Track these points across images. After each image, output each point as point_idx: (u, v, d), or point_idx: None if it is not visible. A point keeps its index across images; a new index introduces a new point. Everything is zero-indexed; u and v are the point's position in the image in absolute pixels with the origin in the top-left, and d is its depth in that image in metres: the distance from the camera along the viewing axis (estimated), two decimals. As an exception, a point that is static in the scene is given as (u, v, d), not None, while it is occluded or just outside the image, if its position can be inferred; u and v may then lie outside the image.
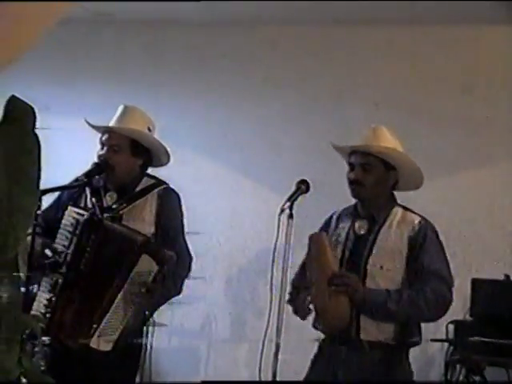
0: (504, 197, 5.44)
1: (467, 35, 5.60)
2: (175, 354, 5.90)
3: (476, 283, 4.97)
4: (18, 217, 1.81)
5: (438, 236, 3.43)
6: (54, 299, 3.34)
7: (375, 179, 3.41)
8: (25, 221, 1.85)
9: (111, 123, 3.69)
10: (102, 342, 3.33)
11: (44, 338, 3.19)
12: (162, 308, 3.62)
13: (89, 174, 3.52)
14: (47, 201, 3.60)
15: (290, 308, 3.46)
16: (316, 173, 4.69)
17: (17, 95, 1.87)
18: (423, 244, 3.35)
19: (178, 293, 3.62)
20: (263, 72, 5.99)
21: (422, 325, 3.46)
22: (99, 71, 6.25)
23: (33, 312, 3.27)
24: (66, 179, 3.64)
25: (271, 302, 3.24)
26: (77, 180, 3.56)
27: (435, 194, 5.15)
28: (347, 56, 5.83)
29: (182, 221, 3.68)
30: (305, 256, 3.51)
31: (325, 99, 5.82)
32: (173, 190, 3.71)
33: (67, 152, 5.72)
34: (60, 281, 3.35)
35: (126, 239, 3.40)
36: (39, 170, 1.85)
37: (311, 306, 3.40)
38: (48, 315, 3.32)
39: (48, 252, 3.36)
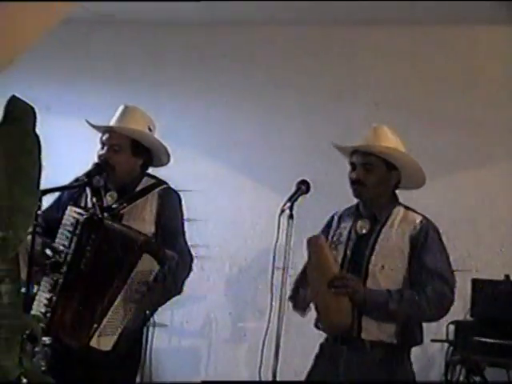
0: (504, 197, 5.44)
1: (467, 35, 5.60)
2: (175, 354, 5.90)
3: (476, 283, 4.97)
4: (18, 217, 1.81)
5: (439, 235, 3.42)
6: (54, 299, 3.34)
7: (377, 179, 3.41)
8: (25, 221, 1.85)
9: (111, 123, 3.69)
10: (102, 341, 3.33)
11: (44, 339, 3.19)
12: (162, 308, 3.62)
13: (89, 174, 3.51)
14: (48, 201, 3.60)
15: (290, 308, 3.46)
16: (316, 173, 4.71)
17: (17, 95, 1.88)
18: (425, 243, 3.34)
19: (179, 292, 3.62)
20: (263, 72, 5.99)
21: (423, 325, 3.46)
22: (99, 71, 6.25)
23: (33, 312, 3.27)
24: (66, 179, 3.64)
25: (271, 303, 3.24)
26: (77, 180, 3.56)
27: (435, 194, 5.15)
28: (347, 56, 5.83)
29: (182, 221, 3.68)
30: (307, 258, 3.50)
31: (325, 99, 5.82)
32: (173, 189, 3.70)
33: (67, 152, 5.72)
34: (60, 280, 3.35)
35: (126, 239, 3.40)
36: (40, 170, 1.85)
37: (311, 305, 3.41)
38: (48, 315, 3.32)
39: (48, 251, 3.36)
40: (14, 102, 1.85)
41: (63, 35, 5.37)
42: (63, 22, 4.06)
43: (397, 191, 3.53)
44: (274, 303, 3.24)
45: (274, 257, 3.25)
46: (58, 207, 3.61)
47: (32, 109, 1.87)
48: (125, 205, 3.59)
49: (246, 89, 6.00)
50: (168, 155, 3.71)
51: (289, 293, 3.45)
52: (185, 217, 3.70)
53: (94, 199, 3.58)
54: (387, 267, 3.33)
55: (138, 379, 3.72)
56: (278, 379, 3.24)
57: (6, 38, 3.56)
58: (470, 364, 4.64)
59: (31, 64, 4.98)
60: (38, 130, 1.88)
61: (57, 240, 3.41)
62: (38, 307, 3.33)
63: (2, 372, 1.81)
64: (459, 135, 5.49)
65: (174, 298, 3.63)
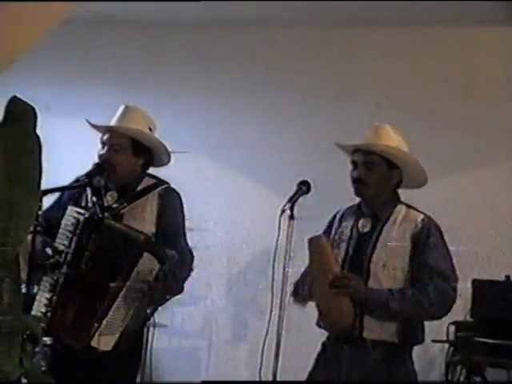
0: (504, 197, 5.44)
1: (467, 35, 5.60)
2: (176, 355, 5.89)
3: (477, 284, 4.97)
4: (18, 217, 1.81)
5: (441, 233, 3.41)
6: (54, 299, 3.34)
7: (378, 178, 3.41)
8: (25, 221, 1.85)
9: (112, 123, 3.69)
10: (103, 341, 3.33)
11: (45, 339, 3.19)
12: (162, 308, 3.62)
13: (90, 175, 3.52)
14: (48, 201, 3.60)
15: (290, 308, 3.45)
16: (316, 173, 4.70)
17: (18, 95, 1.88)
18: (426, 241, 3.34)
19: (180, 292, 3.62)
20: (263, 72, 5.99)
21: (424, 324, 3.46)
22: (99, 71, 6.25)
23: (33, 312, 3.27)
24: (66, 179, 3.64)
25: (272, 303, 3.24)
26: (77, 180, 3.57)
27: (435, 194, 5.15)
28: (347, 56, 5.83)
29: (183, 220, 3.68)
30: (308, 258, 3.50)
31: (325, 99, 5.82)
32: (174, 189, 3.70)
33: (68, 152, 5.72)
34: (61, 280, 3.35)
35: (127, 238, 3.40)
36: (40, 170, 1.85)
37: (310, 306, 3.41)
38: (48, 315, 3.31)
39: (49, 250, 3.36)
40: (14, 103, 1.85)
41: (63, 35, 5.36)
42: (63, 22, 4.06)
43: (398, 191, 3.53)
44: (274, 303, 3.24)
45: (274, 257, 3.25)
46: (59, 207, 3.61)
47: (32, 109, 1.87)
48: (125, 205, 3.59)
49: (246, 89, 5.99)
50: (168, 155, 3.71)
51: (290, 292, 3.45)
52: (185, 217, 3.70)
53: (95, 199, 3.58)
54: (389, 266, 3.33)
55: (138, 379, 3.72)
56: (278, 379, 3.24)
57: (7, 38, 3.56)
58: (471, 364, 4.64)
59: (31, 64, 4.98)
60: (38, 130, 1.88)
61: (57, 240, 3.41)
62: (39, 307, 3.33)
63: (2, 372, 1.81)
64: (459, 135, 5.49)
65: (175, 298, 3.63)
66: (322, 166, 5.46)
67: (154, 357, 3.64)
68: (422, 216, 3.41)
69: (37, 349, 2.73)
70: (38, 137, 1.86)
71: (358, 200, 3.53)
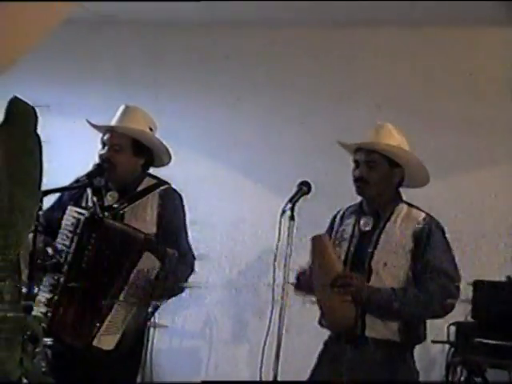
0: (504, 198, 5.44)
1: (467, 36, 5.59)
2: (176, 355, 5.89)
3: (477, 285, 4.96)
4: (19, 217, 1.81)
5: (443, 232, 3.42)
6: (55, 299, 3.33)
7: (380, 176, 3.41)
8: (26, 221, 1.85)
9: (112, 123, 3.69)
10: (104, 340, 3.33)
11: (46, 339, 3.19)
12: (162, 309, 3.62)
13: (90, 175, 3.52)
14: (48, 201, 3.60)
15: (291, 308, 3.45)
16: (317, 174, 4.70)
17: (18, 96, 1.88)
18: (428, 240, 3.34)
19: (181, 291, 3.62)
20: (263, 73, 5.99)
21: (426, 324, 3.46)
22: (100, 72, 6.25)
23: (34, 312, 3.26)
24: (67, 180, 3.64)
25: (272, 303, 3.24)
26: (78, 181, 3.56)
27: (435, 195, 5.14)
28: (347, 57, 5.82)
29: (184, 221, 3.68)
30: (310, 257, 3.50)
31: (325, 100, 5.82)
32: (175, 190, 3.71)
33: (68, 152, 5.72)
34: (61, 280, 3.35)
35: (127, 237, 3.40)
36: (41, 170, 1.85)
37: (311, 304, 3.42)
38: (49, 315, 3.31)
39: (49, 250, 3.36)
40: (15, 103, 1.85)
41: (63, 36, 5.36)
42: (63, 22, 4.06)
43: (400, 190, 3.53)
44: (274, 303, 3.24)
45: (275, 257, 3.25)
46: (59, 208, 3.61)
47: (33, 109, 1.87)
48: (125, 204, 3.59)
49: (247, 90, 5.99)
50: (169, 155, 3.71)
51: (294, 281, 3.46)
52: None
53: (95, 199, 3.58)
54: (390, 264, 3.34)
55: (138, 379, 3.71)
56: (278, 379, 3.24)
57: (7, 39, 3.56)
58: (471, 365, 4.64)
59: (32, 65, 4.97)
60: (38, 131, 1.88)
61: (57, 240, 3.41)
62: (39, 307, 3.33)
63: (3, 373, 1.81)
64: (459, 136, 5.49)
65: (175, 299, 3.63)
66: (322, 166, 5.46)
67: (154, 357, 3.63)
68: (423, 215, 3.41)
69: (37, 349, 2.73)
70: (38, 137, 1.86)
71: (359, 200, 3.53)
